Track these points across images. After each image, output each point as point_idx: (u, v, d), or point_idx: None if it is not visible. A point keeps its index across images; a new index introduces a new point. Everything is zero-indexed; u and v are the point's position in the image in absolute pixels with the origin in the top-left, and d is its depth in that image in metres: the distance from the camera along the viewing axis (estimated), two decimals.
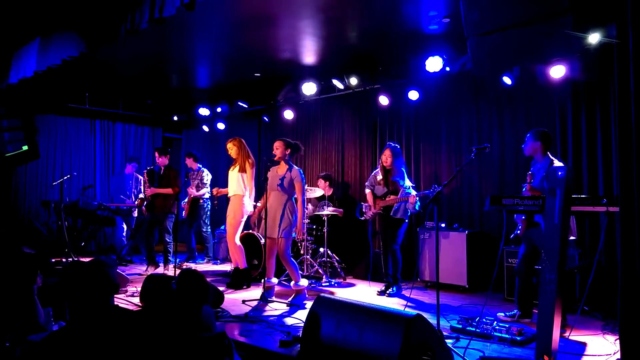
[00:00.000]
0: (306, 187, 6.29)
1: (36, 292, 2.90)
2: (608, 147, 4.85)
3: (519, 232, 4.22)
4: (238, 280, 5.35)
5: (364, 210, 5.55)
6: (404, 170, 5.32)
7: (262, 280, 4.81)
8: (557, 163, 4.01)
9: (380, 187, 5.30)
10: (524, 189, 4.13)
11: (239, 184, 5.41)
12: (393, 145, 5.35)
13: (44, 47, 5.23)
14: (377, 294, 5.20)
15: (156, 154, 6.62)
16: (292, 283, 4.77)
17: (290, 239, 4.78)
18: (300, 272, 4.84)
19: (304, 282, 4.79)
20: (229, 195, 5.51)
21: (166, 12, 3.82)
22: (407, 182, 5.24)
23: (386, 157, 5.22)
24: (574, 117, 5.14)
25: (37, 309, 2.85)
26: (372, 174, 5.49)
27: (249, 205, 5.46)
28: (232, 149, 5.51)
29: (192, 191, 7.07)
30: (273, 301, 4.70)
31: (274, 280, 4.89)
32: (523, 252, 4.15)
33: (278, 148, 4.89)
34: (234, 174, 5.45)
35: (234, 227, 5.36)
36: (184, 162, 9.67)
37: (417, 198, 5.03)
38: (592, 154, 4.98)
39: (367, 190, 5.45)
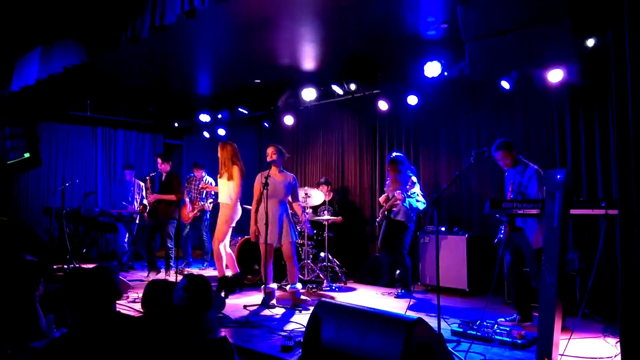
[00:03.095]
0: (307, 192, 6.32)
1: (38, 299, 2.91)
2: (606, 150, 4.87)
3: (501, 236, 4.25)
4: (225, 287, 5.16)
5: (378, 214, 5.70)
6: (411, 176, 5.39)
7: (264, 286, 4.83)
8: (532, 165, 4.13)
9: (390, 192, 5.48)
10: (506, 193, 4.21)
11: (226, 191, 5.22)
12: (390, 157, 5.48)
13: (45, 55, 5.27)
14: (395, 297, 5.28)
15: (159, 160, 6.65)
16: (290, 286, 4.80)
17: (293, 243, 4.87)
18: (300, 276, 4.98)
19: (299, 286, 4.87)
20: (218, 201, 5.39)
21: (167, 20, 3.85)
22: (415, 189, 5.31)
23: (390, 170, 5.45)
24: (572, 120, 5.16)
25: (38, 316, 2.86)
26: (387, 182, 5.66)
27: (238, 212, 5.28)
28: (218, 152, 5.32)
29: (209, 206, 7.09)
30: (275, 306, 4.71)
31: (274, 285, 4.90)
32: (509, 258, 4.21)
33: (274, 154, 4.90)
34: (223, 182, 5.26)
35: (219, 235, 5.17)
36: (185, 169, 9.73)
37: (404, 194, 5.17)
38: (591, 157, 5.00)
39: (383, 195, 5.61)
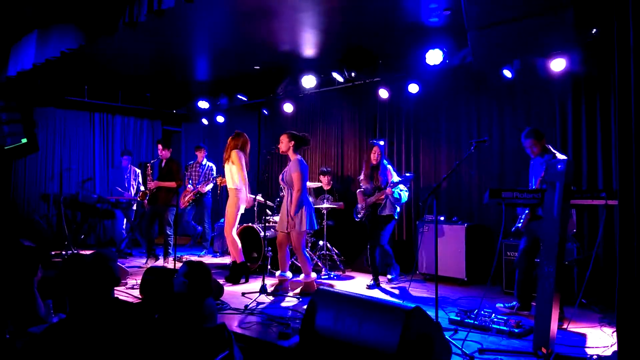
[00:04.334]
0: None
1: (36, 284, 2.91)
2: (608, 140, 4.85)
3: (520, 225, 4.23)
4: (236, 274, 5.35)
5: (358, 210, 5.60)
6: (390, 166, 5.38)
7: (263, 274, 4.85)
8: (560, 156, 4.06)
9: (369, 185, 5.36)
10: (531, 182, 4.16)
11: (232, 177, 5.37)
12: (377, 142, 5.41)
13: (42, 39, 5.20)
14: (366, 288, 5.22)
15: (159, 147, 6.62)
16: (302, 276, 4.82)
17: (303, 232, 4.71)
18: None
19: (313, 275, 4.87)
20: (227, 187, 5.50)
21: (165, 4, 3.80)
22: (395, 178, 5.28)
23: (376, 155, 5.27)
24: (574, 110, 5.14)
25: (37, 302, 2.87)
26: (362, 174, 5.52)
27: (244, 198, 5.41)
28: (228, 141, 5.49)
29: (204, 188, 7.05)
30: (285, 294, 4.71)
31: (288, 274, 4.90)
32: (524, 245, 4.18)
33: (282, 142, 4.88)
34: (227, 167, 5.41)
35: (230, 221, 5.33)
36: (183, 156, 9.70)
37: (395, 186, 5.09)
38: (592, 147, 4.99)
39: (358, 190, 5.54)
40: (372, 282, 5.31)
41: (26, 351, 1.93)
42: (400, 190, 5.20)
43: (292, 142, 4.84)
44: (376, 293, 5.04)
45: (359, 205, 5.58)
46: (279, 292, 4.76)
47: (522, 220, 4.22)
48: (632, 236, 2.41)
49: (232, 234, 5.36)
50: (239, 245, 5.40)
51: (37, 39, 5.25)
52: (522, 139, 4.23)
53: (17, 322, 2.70)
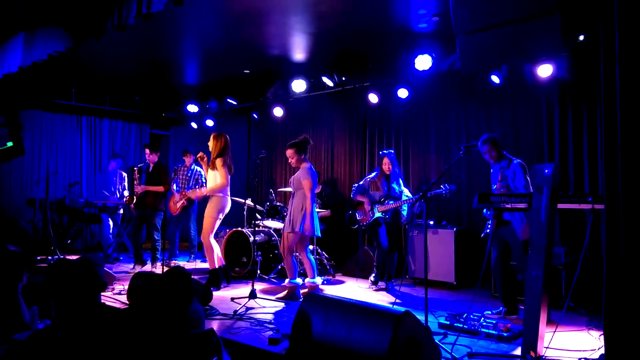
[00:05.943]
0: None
1: (21, 290, 2.85)
2: (594, 145, 4.92)
3: (488, 230, 4.29)
4: (215, 280, 5.23)
5: (358, 218, 5.60)
6: (398, 172, 5.54)
7: (252, 279, 4.81)
8: (516, 160, 4.20)
9: (378, 192, 5.46)
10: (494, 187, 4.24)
11: (214, 182, 5.18)
12: (388, 152, 5.51)
13: (29, 41, 5.13)
14: (368, 287, 5.39)
15: (147, 151, 6.55)
16: (287, 280, 4.82)
17: (296, 235, 4.74)
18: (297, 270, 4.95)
19: (299, 281, 4.85)
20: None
21: (154, 8, 3.76)
22: (404, 189, 5.46)
23: (388, 166, 5.40)
24: (561, 115, 5.21)
25: (21, 308, 2.81)
26: (366, 179, 5.57)
27: (227, 204, 5.24)
28: (210, 142, 5.28)
29: (203, 191, 6.88)
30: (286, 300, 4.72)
31: (298, 280, 4.88)
32: (496, 251, 4.25)
33: (291, 157, 4.93)
34: (211, 173, 5.23)
35: (207, 226, 5.13)
36: (172, 160, 9.63)
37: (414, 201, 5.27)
38: (579, 151, 5.05)
39: (363, 199, 5.54)
40: (374, 278, 5.51)
41: (10, 358, 1.89)
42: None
43: (302, 154, 4.91)
44: (369, 294, 5.04)
45: (359, 212, 5.62)
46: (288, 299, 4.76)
47: (489, 227, 4.28)
48: (619, 240, 2.44)
49: (210, 239, 5.16)
50: (215, 251, 5.21)
51: (23, 41, 5.18)
52: (479, 146, 4.30)
53: (1, 328, 2.64)
